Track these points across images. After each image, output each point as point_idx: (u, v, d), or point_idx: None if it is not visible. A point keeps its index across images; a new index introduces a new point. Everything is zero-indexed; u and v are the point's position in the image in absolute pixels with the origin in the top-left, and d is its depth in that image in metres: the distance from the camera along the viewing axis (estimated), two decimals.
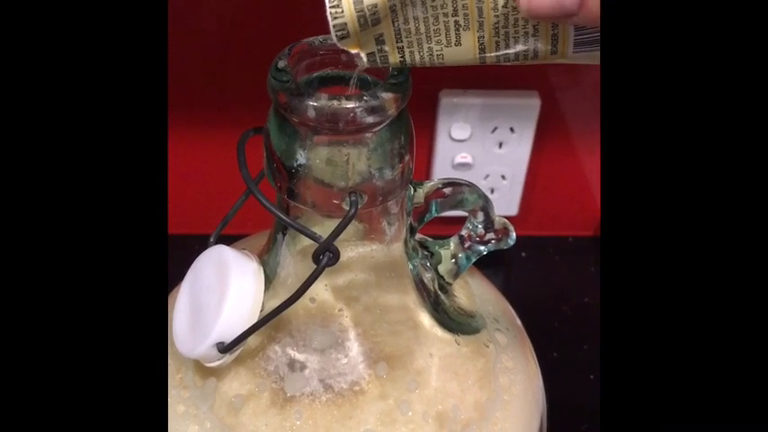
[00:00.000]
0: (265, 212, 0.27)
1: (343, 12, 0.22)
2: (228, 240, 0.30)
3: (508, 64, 0.23)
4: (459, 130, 0.53)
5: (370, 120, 0.24)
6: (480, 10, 0.22)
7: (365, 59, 0.24)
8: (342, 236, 0.25)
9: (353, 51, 0.23)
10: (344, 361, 0.28)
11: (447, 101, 0.52)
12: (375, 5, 0.22)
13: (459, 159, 0.54)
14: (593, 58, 0.23)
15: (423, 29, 0.23)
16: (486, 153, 0.54)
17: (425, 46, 0.23)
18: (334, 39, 0.23)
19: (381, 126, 0.25)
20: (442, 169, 0.55)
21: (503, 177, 0.56)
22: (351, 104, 0.24)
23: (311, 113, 0.24)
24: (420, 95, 0.51)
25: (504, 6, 0.22)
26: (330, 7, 0.22)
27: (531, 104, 0.53)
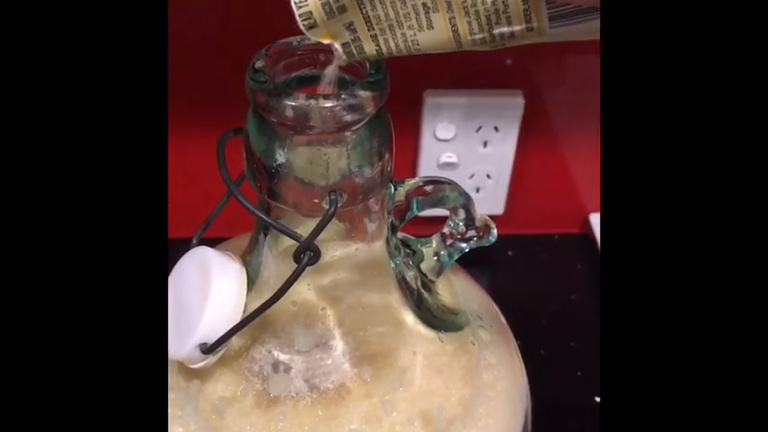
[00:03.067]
0: (248, 216, 0.27)
1: (306, 1, 0.22)
2: (211, 244, 0.30)
3: (487, 48, 0.23)
4: (444, 129, 0.53)
5: (348, 118, 0.24)
6: None
7: (341, 51, 0.23)
8: (324, 235, 0.26)
9: (327, 42, 0.23)
10: (328, 361, 0.28)
11: (431, 101, 0.52)
12: None
13: (444, 159, 0.55)
14: (572, 33, 0.22)
15: (392, 14, 0.22)
16: (470, 152, 0.55)
17: (398, 32, 0.23)
18: (303, 29, 0.23)
19: (360, 124, 0.25)
20: (427, 169, 0.55)
21: (488, 176, 0.56)
22: (329, 103, 0.24)
23: (289, 113, 0.24)
24: (404, 95, 0.52)
25: None
26: None
27: (515, 103, 0.53)
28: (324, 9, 0.22)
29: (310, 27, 0.23)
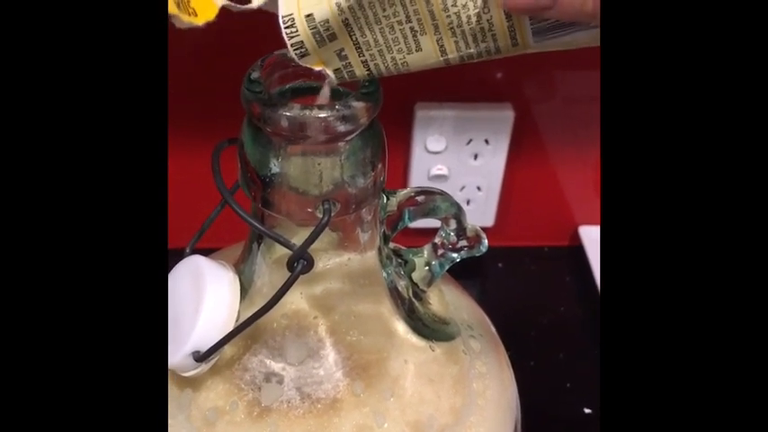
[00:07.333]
0: (241, 226, 0.27)
1: (297, 30, 0.22)
2: (205, 254, 0.30)
3: (473, 62, 0.24)
4: (435, 142, 0.54)
5: (342, 128, 0.24)
6: (432, 13, 0.22)
7: (333, 76, 0.24)
8: (316, 245, 0.26)
9: (319, 69, 0.24)
10: (320, 370, 0.28)
11: (422, 114, 0.53)
12: (327, 21, 0.22)
13: (435, 171, 0.55)
14: (560, 44, 0.23)
15: (381, 40, 0.23)
16: (461, 165, 0.55)
17: (388, 56, 0.23)
18: (295, 58, 0.23)
19: (353, 135, 0.25)
20: (418, 181, 0.56)
21: (478, 189, 0.57)
22: (323, 114, 0.24)
23: (284, 123, 0.24)
24: (396, 108, 0.52)
25: (454, 5, 0.22)
26: (285, 27, 0.23)
27: (505, 116, 0.53)
28: (314, 38, 0.23)
29: (302, 56, 0.23)
